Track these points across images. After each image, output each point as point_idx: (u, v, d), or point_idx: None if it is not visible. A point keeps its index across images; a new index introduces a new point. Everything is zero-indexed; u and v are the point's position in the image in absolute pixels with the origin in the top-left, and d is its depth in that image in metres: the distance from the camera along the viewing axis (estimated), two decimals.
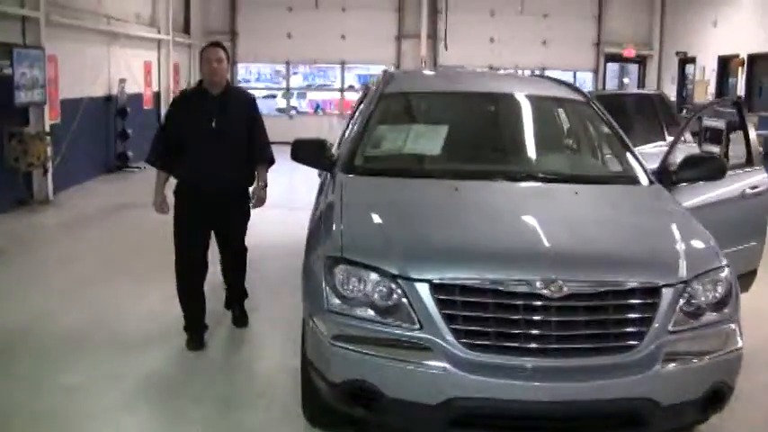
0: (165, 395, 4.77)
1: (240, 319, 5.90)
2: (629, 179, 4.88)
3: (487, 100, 5.58)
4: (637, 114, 8.37)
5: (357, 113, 6.02)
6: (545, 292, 3.57)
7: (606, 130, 5.39)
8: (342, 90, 20.42)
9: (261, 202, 5.55)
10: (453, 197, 4.44)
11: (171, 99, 6.09)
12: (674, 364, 3.65)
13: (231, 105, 5.34)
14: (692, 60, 18.63)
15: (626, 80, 21.78)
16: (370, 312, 3.73)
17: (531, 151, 5.29)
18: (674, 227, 4.21)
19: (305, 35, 19.58)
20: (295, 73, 21.11)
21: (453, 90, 5.62)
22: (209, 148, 5.22)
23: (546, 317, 3.58)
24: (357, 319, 3.73)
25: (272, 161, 5.55)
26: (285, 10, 19.57)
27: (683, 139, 8.08)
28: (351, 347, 3.66)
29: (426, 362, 3.57)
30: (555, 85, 6.08)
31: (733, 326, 3.89)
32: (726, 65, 17.11)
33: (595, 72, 20.56)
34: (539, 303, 3.58)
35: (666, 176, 4.99)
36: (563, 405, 3.55)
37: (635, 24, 20.37)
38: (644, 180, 4.86)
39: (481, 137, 5.36)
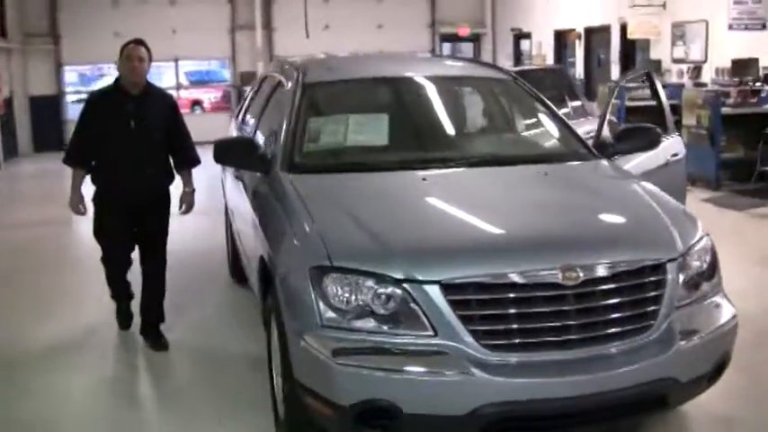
0: None
1: (159, 342, 5.43)
2: (579, 155, 4.73)
3: (418, 84, 5.26)
4: (541, 87, 8.34)
5: (266, 108, 5.56)
6: (563, 280, 3.34)
7: (540, 107, 5.21)
8: (178, 88, 19.48)
9: (189, 207, 5.44)
10: (426, 188, 4.13)
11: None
12: (689, 341, 3.52)
13: (151, 106, 5.15)
14: (528, 36, 19.07)
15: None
16: (373, 323, 3.36)
17: (477, 134, 5.09)
18: (652, 201, 4.11)
19: (133, 32, 18.26)
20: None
21: (380, 75, 5.25)
22: (129, 150, 5.04)
23: (566, 306, 3.36)
24: (359, 332, 3.36)
25: (198, 162, 5.38)
26: (109, 7, 18.40)
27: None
28: (359, 364, 3.27)
29: (446, 370, 3.24)
30: (477, 65, 5.90)
31: (722, 294, 3.85)
32: (562, 39, 17.62)
33: (432, 53, 20.62)
34: (557, 293, 3.35)
35: (604, 150, 4.88)
36: (595, 397, 3.31)
37: (467, 3, 20.60)
38: (589, 155, 4.72)
39: (422, 123, 5.04)
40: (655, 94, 6.17)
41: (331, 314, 3.37)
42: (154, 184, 5.21)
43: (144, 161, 5.10)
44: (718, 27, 12.60)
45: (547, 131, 5.01)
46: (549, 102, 5.30)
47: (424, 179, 4.18)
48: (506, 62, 19.56)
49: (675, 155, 5.91)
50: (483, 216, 3.80)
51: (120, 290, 5.55)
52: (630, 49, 14.95)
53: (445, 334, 3.27)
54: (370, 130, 4.74)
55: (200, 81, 21.64)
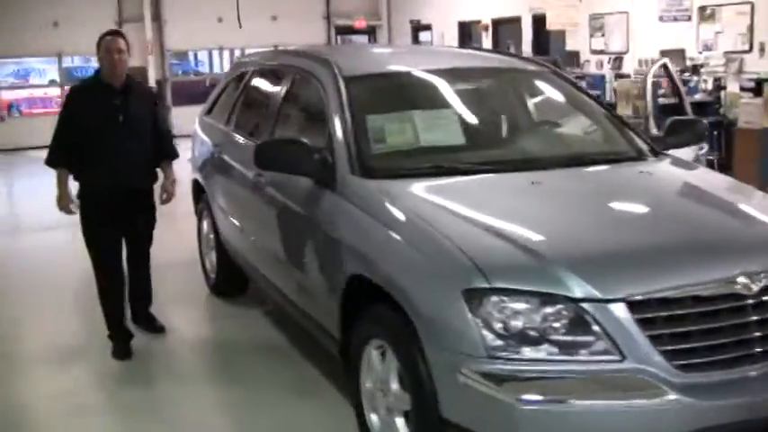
0: None
1: (154, 326, 5.50)
2: (647, 152, 4.43)
3: (465, 77, 4.81)
4: None
5: (284, 106, 4.99)
6: (741, 289, 3.01)
7: (587, 99, 4.89)
8: (62, 86, 18.14)
9: (170, 197, 5.34)
10: (543, 193, 3.71)
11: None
12: None
13: (135, 99, 5.03)
14: (427, 28, 18.85)
15: None
16: (547, 349, 2.90)
17: (546, 131, 4.69)
18: (757, 196, 3.94)
19: (10, 26, 17.08)
20: None
21: (424, 68, 4.74)
22: (117, 146, 4.91)
23: (747, 318, 3.02)
24: (533, 362, 2.89)
25: (177, 156, 5.36)
26: None
27: None
28: (543, 398, 2.81)
29: (644, 398, 2.83)
30: (510, 57, 5.52)
31: None
32: (466, 30, 17.50)
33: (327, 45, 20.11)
34: (737, 304, 3.01)
35: (657, 145, 4.61)
36: None
37: None
38: (653, 151, 4.45)
39: (486, 119, 4.63)
40: (674, 87, 5.98)
41: (497, 342, 2.90)
42: (142, 178, 5.10)
43: (132, 155, 4.97)
44: (638, 18, 12.72)
45: (604, 126, 4.66)
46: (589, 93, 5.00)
47: (533, 182, 3.75)
48: None
49: (702, 148, 5.72)
50: (629, 224, 3.45)
51: (117, 313, 5.21)
52: (544, 41, 14.95)
53: (635, 357, 2.86)
54: (441, 128, 4.26)
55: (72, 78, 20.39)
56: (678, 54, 11.76)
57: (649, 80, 6.13)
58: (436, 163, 3.98)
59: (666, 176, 4.17)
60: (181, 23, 18.40)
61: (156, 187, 5.32)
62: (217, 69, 23.13)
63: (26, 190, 12.81)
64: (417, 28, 19.37)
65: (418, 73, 4.68)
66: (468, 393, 2.92)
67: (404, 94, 4.61)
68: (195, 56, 29.53)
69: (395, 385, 3.38)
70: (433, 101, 4.51)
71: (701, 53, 11.72)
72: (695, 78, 11.51)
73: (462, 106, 4.52)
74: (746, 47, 11.05)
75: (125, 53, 4.87)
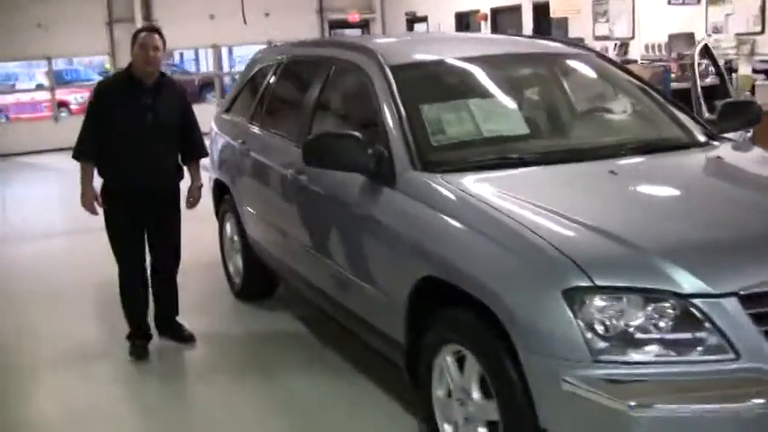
0: None
1: (182, 334, 5.25)
2: (708, 138, 4.20)
3: (512, 64, 4.58)
4: None
5: (322, 98, 4.73)
6: None
7: (636, 83, 4.67)
8: (53, 89, 17.78)
9: (196, 202, 5.23)
10: (624, 183, 3.50)
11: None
12: None
13: (166, 98, 4.90)
14: (423, 20, 18.60)
15: None
16: (656, 351, 2.67)
17: (605, 117, 4.45)
18: None
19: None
20: None
21: (470, 55, 4.49)
22: (146, 145, 4.80)
23: None
24: (643, 366, 2.66)
25: (207, 154, 5.34)
26: None
27: None
28: (661, 405, 2.58)
29: (762, 399, 2.60)
30: (553, 41, 5.28)
31: None
32: (464, 20, 17.25)
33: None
34: None
35: (712, 128, 4.39)
36: None
37: None
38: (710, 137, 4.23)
39: (544, 106, 4.40)
40: (718, 71, 5.78)
41: (602, 344, 2.67)
42: (168, 179, 4.97)
43: (160, 156, 4.87)
44: (644, 3, 12.51)
45: (660, 111, 4.43)
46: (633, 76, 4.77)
47: (611, 172, 3.51)
48: None
49: (748, 131, 5.51)
50: (722, 213, 3.21)
51: (140, 312, 5.12)
52: (546, 28, 14.72)
53: (750, 355, 2.64)
54: (501, 117, 4.03)
55: (64, 81, 20.05)
56: (687, 38, 11.58)
57: (696, 62, 5.92)
58: (503, 154, 3.74)
59: (739, 161, 3.97)
60: (172, 22, 18.02)
61: (182, 189, 5.13)
62: (205, 68, 22.91)
63: (18, 197, 12.46)
64: (412, 20, 19.10)
65: (465, 60, 4.43)
66: (571, 401, 2.69)
67: (454, 82, 4.38)
68: (181, 55, 29.28)
69: (476, 394, 3.15)
70: (486, 88, 4.28)
71: (709, 36, 11.50)
72: (704, 62, 11.32)
73: (517, 93, 4.29)
74: (759, 28, 10.85)
75: (161, 50, 4.76)
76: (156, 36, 4.77)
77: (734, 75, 10.68)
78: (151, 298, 5.24)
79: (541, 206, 3.15)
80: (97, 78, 19.86)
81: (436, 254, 3.29)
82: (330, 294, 4.39)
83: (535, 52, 4.77)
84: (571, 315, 2.69)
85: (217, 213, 6.39)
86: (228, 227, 6.13)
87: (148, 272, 5.16)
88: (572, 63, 4.74)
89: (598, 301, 2.69)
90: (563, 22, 14.22)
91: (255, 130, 5.48)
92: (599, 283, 2.70)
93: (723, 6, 11.27)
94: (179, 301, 5.33)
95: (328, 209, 4.27)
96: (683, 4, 11.48)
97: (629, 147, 3.91)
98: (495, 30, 16.16)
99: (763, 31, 10.81)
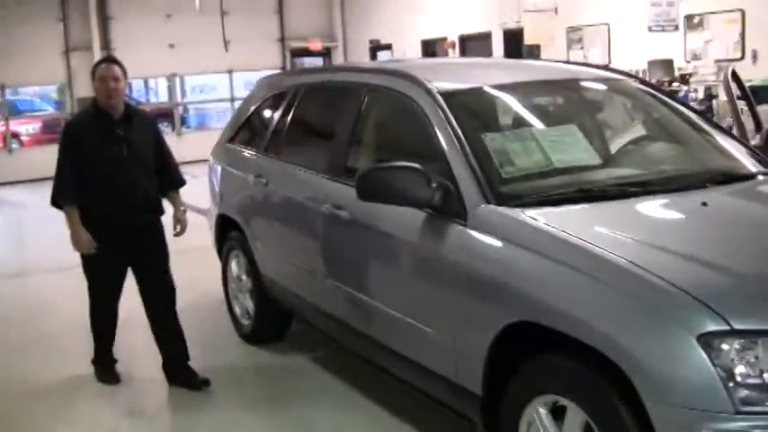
0: None
1: (195, 379, 4.94)
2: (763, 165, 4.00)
3: (560, 90, 4.37)
4: None
5: (359, 127, 4.43)
6: None
7: (680, 109, 4.46)
8: (7, 119, 17.12)
9: (184, 228, 5.03)
10: (721, 216, 3.29)
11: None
12: None
13: (138, 128, 4.81)
14: (387, 47, 18.43)
15: None
16: None
17: (666, 146, 4.22)
18: None
19: None
20: None
21: (519, 81, 4.26)
22: (124, 177, 4.70)
23: None
24: None
25: (184, 183, 5.13)
26: None
27: None
28: None
29: None
30: (587, 66, 5.07)
31: None
32: (430, 48, 17.13)
33: (283, 69, 19.49)
34: None
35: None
36: None
37: (317, 16, 19.69)
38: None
39: (605, 135, 4.16)
40: (746, 97, 5.63)
41: (745, 393, 2.42)
42: (150, 211, 4.83)
43: (138, 188, 4.76)
44: (620, 30, 12.50)
45: (715, 138, 4.23)
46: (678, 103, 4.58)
47: (704, 204, 3.27)
48: None
49: None
50: None
51: (107, 326, 5.02)
52: (517, 56, 14.62)
53: None
54: (569, 146, 3.75)
55: (18, 111, 19.32)
56: (666, 64, 11.57)
57: (732, 88, 5.75)
58: (582, 186, 3.47)
59: None
60: (131, 50, 17.53)
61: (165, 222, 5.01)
62: (154, 98, 22.36)
63: None
64: (376, 48, 18.92)
65: (515, 86, 4.19)
66: None
67: (509, 108, 4.11)
68: (130, 85, 28.69)
69: None
70: (545, 116, 4.03)
71: (688, 62, 11.53)
72: (684, 88, 11.32)
73: (577, 120, 4.04)
74: (738, 54, 10.87)
75: (122, 81, 4.66)
76: (116, 67, 4.68)
77: (714, 101, 10.67)
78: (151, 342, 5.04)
79: (646, 242, 2.89)
80: (51, 109, 19.34)
81: (530, 296, 3.00)
82: (376, 338, 4.05)
83: (580, 78, 4.54)
84: (709, 362, 2.43)
85: (220, 251, 6.00)
86: (234, 265, 5.76)
87: (145, 313, 5.01)
88: (620, 88, 4.52)
89: (736, 346, 2.44)
90: (536, 50, 14.13)
91: (273, 161, 5.13)
92: (737, 326, 2.45)
93: (702, 33, 11.29)
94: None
95: (378, 247, 3.94)
96: (663, 30, 11.45)
97: (702, 177, 3.68)
98: (463, 55, 16.07)
99: (743, 57, 10.83)
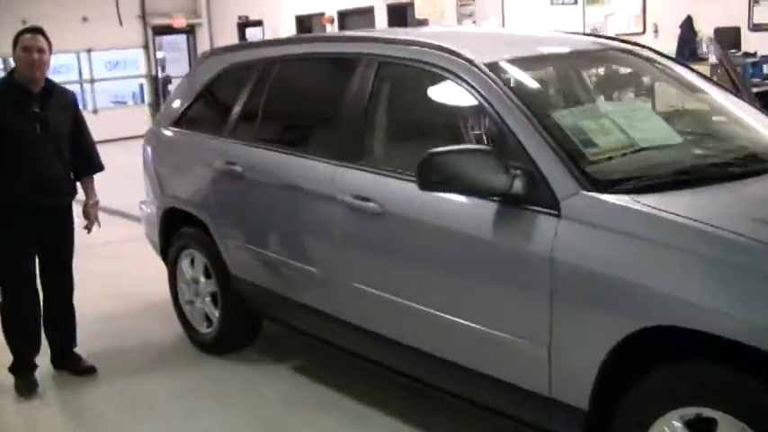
0: None
1: (81, 365, 4.74)
2: None
3: (604, 61, 3.99)
4: None
5: (393, 107, 3.87)
6: None
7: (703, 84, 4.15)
8: None
9: (94, 221, 4.78)
10: None
11: None
12: None
13: (56, 106, 4.48)
14: (258, 24, 17.61)
15: (160, 54, 19.63)
16: None
17: (721, 122, 3.85)
18: None
19: None
20: None
21: (560, 52, 3.84)
22: (37, 157, 4.37)
23: None
24: None
25: (102, 168, 4.79)
26: None
27: None
28: None
29: None
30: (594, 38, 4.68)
31: None
32: (305, 24, 16.47)
33: (146, 48, 18.30)
34: None
35: None
36: None
37: None
38: None
39: (664, 110, 3.74)
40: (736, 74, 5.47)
41: None
42: (63, 195, 4.55)
43: (52, 169, 4.43)
44: (515, 3, 12.32)
45: (752, 113, 3.95)
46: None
47: None
48: None
49: None
50: None
51: (30, 343, 4.60)
52: None
53: None
54: (644, 123, 3.33)
55: None
56: None
57: (732, 64, 5.55)
58: (681, 168, 3.08)
59: None
60: None
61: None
62: None
63: None
64: (245, 24, 18.06)
65: (552, 58, 3.75)
66: None
67: (562, 83, 3.68)
68: None
69: None
70: (606, 89, 3.62)
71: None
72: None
73: (637, 94, 3.63)
74: (640, 29, 10.89)
75: (46, 53, 4.34)
76: (41, 37, 4.33)
77: None
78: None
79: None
80: None
81: (674, 297, 2.56)
82: (425, 350, 3.50)
83: (611, 47, 4.12)
84: None
85: (164, 250, 5.25)
86: (186, 266, 5.04)
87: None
88: (648, 61, 4.13)
89: None
90: (423, 25, 13.77)
91: (248, 148, 4.44)
92: None
93: (603, 7, 11.24)
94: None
95: (432, 244, 3.37)
96: (563, 4, 11.34)
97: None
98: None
99: (644, 32, 10.86)
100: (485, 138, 3.46)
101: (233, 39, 18.30)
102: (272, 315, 4.54)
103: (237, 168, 4.42)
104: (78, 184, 4.70)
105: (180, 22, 18.28)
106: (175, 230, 5.10)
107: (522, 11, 12.10)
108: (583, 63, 3.90)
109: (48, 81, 4.45)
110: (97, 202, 4.78)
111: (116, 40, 17.30)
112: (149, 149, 5.36)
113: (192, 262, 5.01)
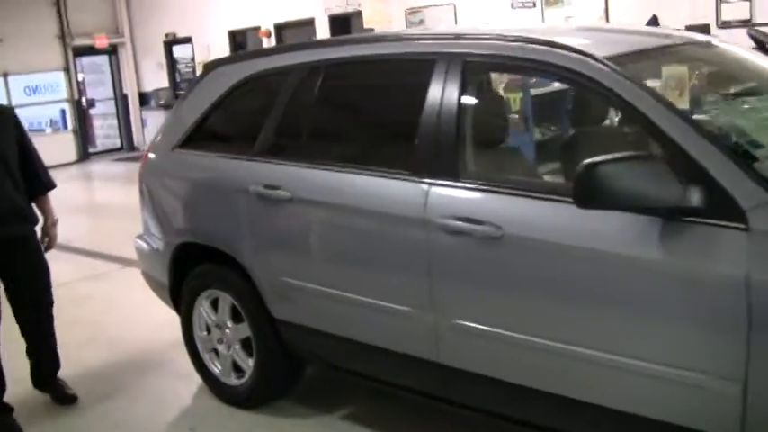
0: None
1: (65, 394, 4.56)
2: None
3: (703, 54, 3.57)
4: None
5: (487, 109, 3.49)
6: None
7: None
8: None
9: (53, 242, 4.57)
10: None
11: None
12: None
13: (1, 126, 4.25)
14: (186, 41, 16.79)
15: (81, 76, 18.48)
16: None
17: None
18: None
19: None
20: None
21: (664, 44, 3.41)
22: None
23: None
24: None
25: (53, 186, 4.58)
26: None
27: None
28: None
29: None
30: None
31: None
32: (238, 39, 15.76)
33: (66, 70, 17.21)
34: None
35: None
36: None
37: (100, 11, 17.52)
38: None
39: None
40: None
41: None
42: (22, 223, 4.29)
43: (7, 195, 4.19)
44: (468, 10, 11.93)
45: None
46: None
47: None
48: (161, 72, 17.18)
49: None
50: None
51: None
52: None
53: None
54: None
55: None
56: None
57: None
58: None
59: None
60: None
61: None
62: None
63: None
64: (173, 42, 17.20)
65: (661, 52, 3.31)
66: None
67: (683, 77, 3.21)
68: None
69: None
70: (720, 83, 3.18)
71: None
72: None
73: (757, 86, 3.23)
74: None
75: None
76: None
77: None
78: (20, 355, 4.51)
79: None
80: None
81: None
82: (561, 394, 2.95)
83: (698, 40, 3.70)
84: None
85: (175, 293, 4.56)
86: (206, 310, 4.38)
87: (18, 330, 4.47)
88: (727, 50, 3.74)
89: None
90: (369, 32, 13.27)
91: (297, 168, 3.81)
92: None
93: (562, 8, 10.93)
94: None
95: (577, 271, 2.83)
96: (523, 7, 10.99)
97: None
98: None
99: None
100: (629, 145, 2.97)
101: (159, 57, 17.49)
102: (335, 363, 3.92)
103: (282, 193, 3.78)
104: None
105: (102, 41, 17.26)
106: (189, 269, 4.42)
107: (478, 16, 11.68)
108: (686, 56, 3.45)
109: None
110: (55, 221, 4.55)
111: (34, 62, 16.20)
112: (151, 177, 4.68)
113: (215, 304, 4.34)
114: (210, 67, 4.65)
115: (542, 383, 3.00)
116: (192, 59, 16.76)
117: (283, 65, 4.11)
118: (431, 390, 3.48)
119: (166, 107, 15.45)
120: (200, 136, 4.44)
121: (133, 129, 18.11)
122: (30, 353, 4.53)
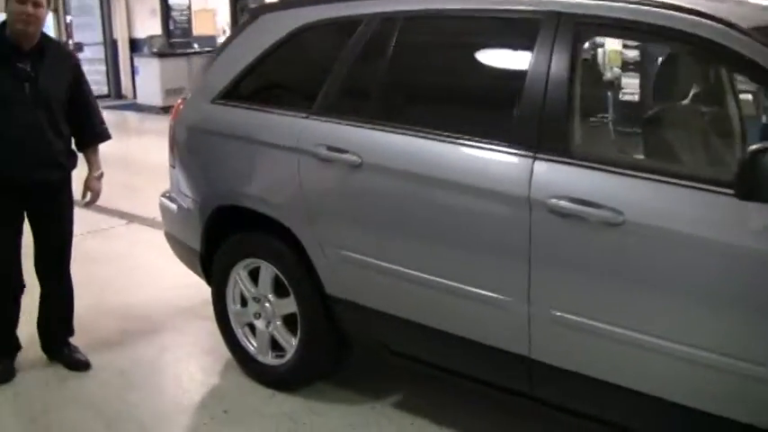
0: None
1: (76, 359, 4.29)
2: None
3: None
4: None
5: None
6: None
7: None
8: None
9: (96, 196, 4.34)
10: None
11: None
12: None
13: (51, 65, 3.98)
14: None
15: (69, 18, 17.77)
16: None
17: None
18: None
19: None
20: None
21: None
22: (22, 122, 3.88)
23: None
24: None
25: (109, 137, 4.33)
26: None
27: None
28: None
29: None
30: None
31: None
32: None
33: (56, 11, 16.50)
34: None
35: None
36: None
37: None
38: None
39: None
40: None
41: None
42: (56, 168, 4.04)
43: (41, 135, 3.94)
44: None
45: None
46: None
47: None
48: (152, 18, 16.55)
49: None
50: None
51: (8, 314, 4.16)
52: None
53: None
54: None
55: None
56: None
57: None
58: None
59: None
60: None
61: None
62: None
63: None
64: None
65: None
66: None
67: None
68: None
69: None
70: None
71: None
72: None
73: None
74: None
75: (42, 7, 3.85)
76: None
77: None
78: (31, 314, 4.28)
79: None
80: None
81: None
82: (671, 399, 2.62)
83: None
84: None
85: (206, 262, 4.16)
86: (244, 280, 3.98)
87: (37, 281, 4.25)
88: None
89: None
90: None
91: (370, 130, 3.38)
92: None
93: None
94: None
95: (736, 275, 2.46)
96: None
97: None
98: None
99: None
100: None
101: (154, 4, 16.79)
102: (399, 348, 3.55)
103: (351, 157, 3.37)
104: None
105: None
106: (225, 234, 4.02)
107: None
108: None
109: (44, 37, 3.99)
110: (101, 174, 4.30)
111: None
112: (185, 131, 4.24)
113: (254, 275, 3.95)
114: (258, 12, 4.19)
115: (659, 391, 2.66)
116: (188, 7, 16.14)
117: (348, 15, 3.67)
118: (514, 385, 3.13)
119: (161, 55, 14.86)
120: (246, 89, 4.00)
121: (122, 76, 17.47)
122: (42, 309, 4.29)
